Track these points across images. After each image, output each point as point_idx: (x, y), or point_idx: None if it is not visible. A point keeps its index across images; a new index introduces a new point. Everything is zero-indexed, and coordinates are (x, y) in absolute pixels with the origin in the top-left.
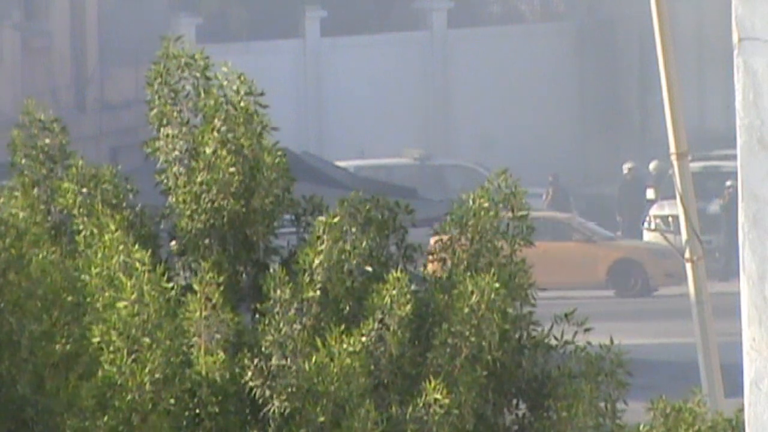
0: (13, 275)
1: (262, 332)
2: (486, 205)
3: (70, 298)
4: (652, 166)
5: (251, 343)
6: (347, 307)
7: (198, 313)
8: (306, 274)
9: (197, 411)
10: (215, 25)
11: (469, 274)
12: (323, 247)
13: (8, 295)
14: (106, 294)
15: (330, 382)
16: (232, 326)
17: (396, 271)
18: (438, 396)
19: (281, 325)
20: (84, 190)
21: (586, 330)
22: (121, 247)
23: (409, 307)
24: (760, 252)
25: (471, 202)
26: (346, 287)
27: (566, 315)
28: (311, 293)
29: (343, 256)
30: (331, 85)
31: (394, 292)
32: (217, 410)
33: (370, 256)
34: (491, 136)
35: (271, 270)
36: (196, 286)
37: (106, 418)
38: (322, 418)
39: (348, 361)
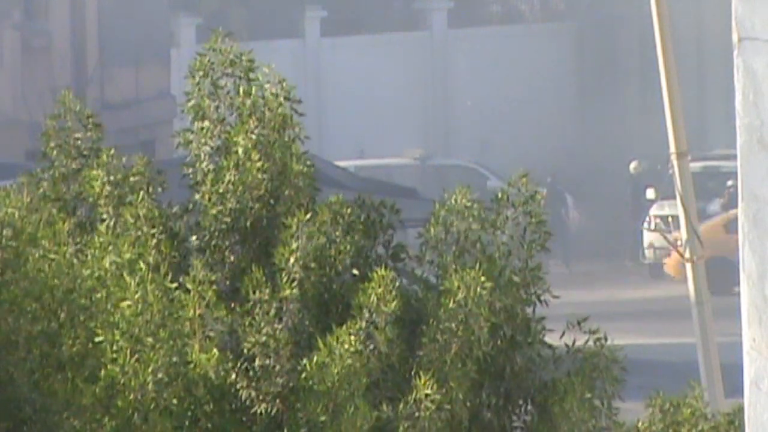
0: (10, 274)
1: (244, 334)
2: (468, 204)
3: (83, 300)
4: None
5: (234, 346)
6: (335, 307)
7: (192, 312)
8: (284, 273)
9: (195, 410)
10: (215, 25)
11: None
12: (297, 244)
13: (5, 294)
14: (98, 295)
15: (330, 382)
16: (227, 324)
17: (381, 269)
18: (429, 392)
19: (262, 325)
20: (112, 178)
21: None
22: (110, 248)
23: (395, 304)
24: (760, 252)
25: (453, 202)
26: (326, 285)
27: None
28: (288, 291)
29: (319, 253)
30: (331, 85)
31: (380, 290)
32: (213, 409)
33: (357, 257)
34: (491, 136)
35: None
36: (189, 285)
37: (107, 418)
38: (323, 418)
39: (349, 361)
